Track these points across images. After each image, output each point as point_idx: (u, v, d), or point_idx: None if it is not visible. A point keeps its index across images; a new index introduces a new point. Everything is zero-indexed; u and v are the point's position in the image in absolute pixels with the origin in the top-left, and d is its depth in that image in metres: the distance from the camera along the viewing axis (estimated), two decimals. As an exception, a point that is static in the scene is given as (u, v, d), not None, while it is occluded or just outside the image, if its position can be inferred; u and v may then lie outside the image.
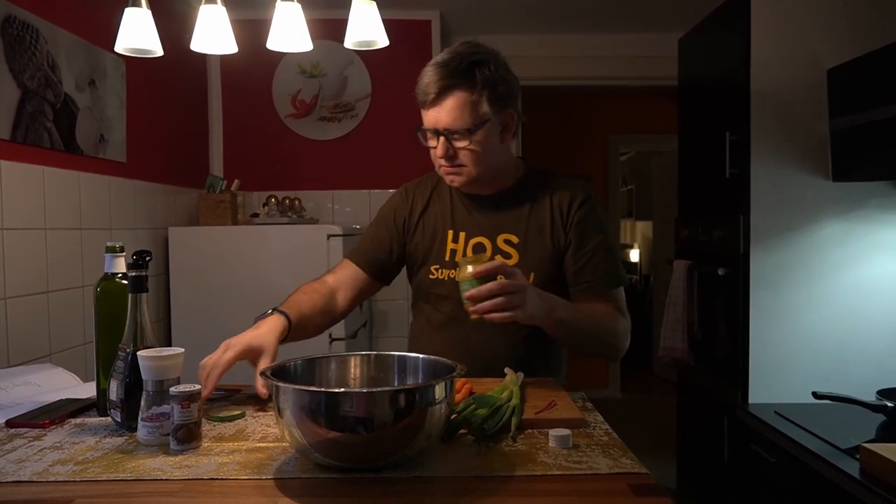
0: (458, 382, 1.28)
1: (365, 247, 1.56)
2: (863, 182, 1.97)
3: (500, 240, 1.45)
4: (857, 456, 1.46)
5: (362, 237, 1.59)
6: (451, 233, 1.48)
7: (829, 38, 2.00)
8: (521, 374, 1.31)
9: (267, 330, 1.29)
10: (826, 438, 1.64)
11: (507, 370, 1.32)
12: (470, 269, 1.20)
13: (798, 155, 2.02)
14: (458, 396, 1.20)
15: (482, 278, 1.19)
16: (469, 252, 1.46)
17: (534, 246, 1.44)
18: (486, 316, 1.19)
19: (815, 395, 1.76)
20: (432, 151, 1.40)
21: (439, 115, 1.34)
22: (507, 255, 1.43)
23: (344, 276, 1.53)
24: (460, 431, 1.08)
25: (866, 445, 1.42)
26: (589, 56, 3.55)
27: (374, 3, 1.36)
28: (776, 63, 2.02)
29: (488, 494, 0.86)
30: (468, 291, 1.18)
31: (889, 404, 1.67)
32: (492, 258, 1.42)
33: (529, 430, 1.11)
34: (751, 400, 2.03)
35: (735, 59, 2.10)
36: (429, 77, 1.33)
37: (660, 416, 4.25)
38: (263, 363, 1.24)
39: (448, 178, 1.43)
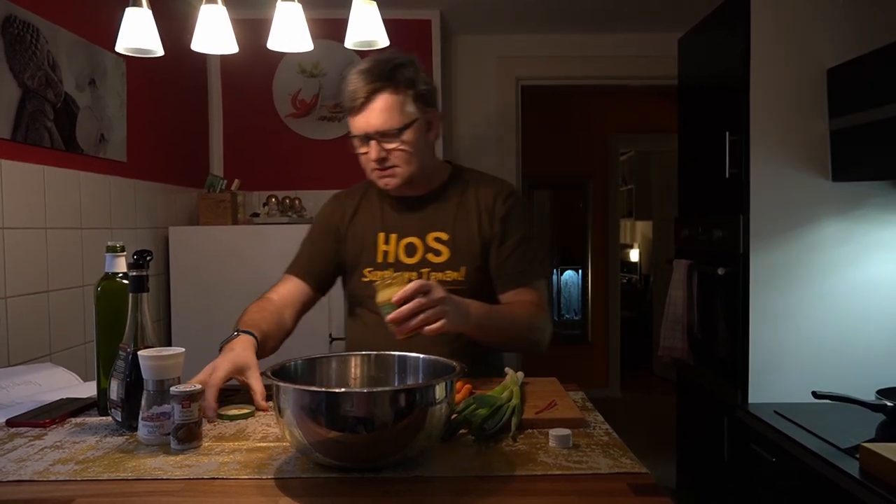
0: (458, 382, 1.29)
1: (305, 260, 1.59)
2: (862, 182, 1.97)
3: (430, 238, 1.49)
4: (857, 455, 1.46)
5: (300, 251, 1.62)
6: (381, 235, 1.52)
7: (829, 37, 1.99)
8: (521, 374, 1.31)
9: (243, 348, 1.28)
10: (826, 438, 1.64)
11: (507, 370, 1.32)
12: (386, 293, 1.21)
13: (798, 154, 2.02)
14: (458, 396, 1.20)
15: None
16: (401, 252, 1.50)
17: (463, 241, 1.48)
18: (420, 331, 1.20)
19: (814, 394, 1.76)
20: (363, 158, 1.45)
21: (369, 118, 1.39)
22: (437, 252, 1.48)
23: (288, 292, 1.54)
24: (460, 431, 1.09)
25: (866, 445, 1.42)
26: (589, 56, 3.54)
27: (375, 3, 1.36)
28: (776, 62, 2.02)
29: (488, 494, 0.86)
30: (389, 315, 1.19)
31: (889, 404, 1.67)
32: (423, 257, 1.48)
33: (529, 430, 1.11)
34: (751, 399, 2.03)
35: (735, 59, 2.10)
36: (354, 84, 1.39)
37: (660, 415, 4.25)
38: (253, 379, 1.23)
39: (382, 182, 1.47)
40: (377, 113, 1.38)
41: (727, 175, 2.13)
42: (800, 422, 1.78)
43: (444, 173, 1.56)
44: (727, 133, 2.12)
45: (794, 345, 2.02)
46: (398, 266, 1.49)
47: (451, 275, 1.47)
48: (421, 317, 1.18)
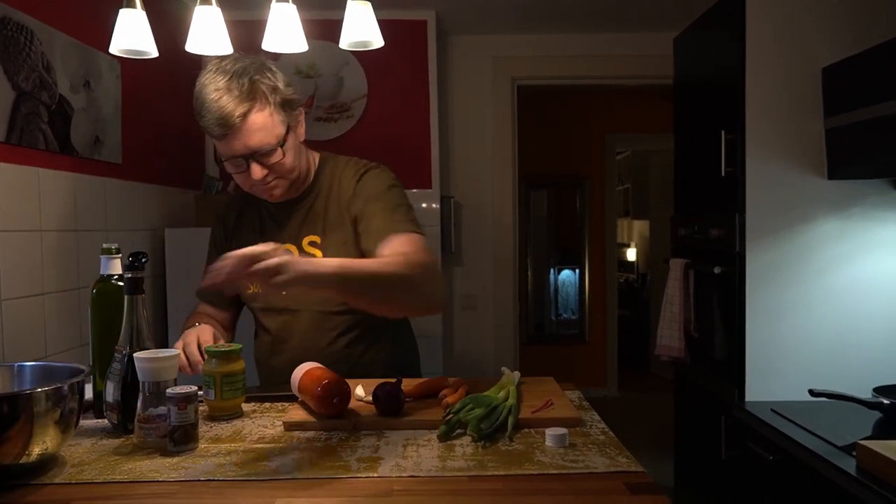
0: (455, 382, 1.29)
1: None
2: (858, 180, 1.97)
3: (304, 243, 1.47)
4: (854, 453, 1.46)
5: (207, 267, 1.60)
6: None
7: (824, 36, 2.00)
8: (517, 374, 1.31)
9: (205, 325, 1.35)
10: (823, 436, 1.64)
11: (504, 369, 1.32)
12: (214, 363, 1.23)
13: (793, 153, 2.02)
14: (454, 397, 1.20)
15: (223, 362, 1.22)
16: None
17: (335, 241, 1.45)
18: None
19: (811, 392, 1.76)
20: (241, 177, 1.39)
21: (246, 141, 1.32)
22: (312, 257, 1.43)
23: (213, 322, 1.53)
24: (457, 431, 1.09)
25: (862, 443, 1.42)
26: (584, 55, 3.54)
27: (370, 4, 1.36)
28: (771, 61, 2.02)
29: (484, 494, 0.86)
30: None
31: (885, 401, 1.67)
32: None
33: (526, 430, 1.11)
34: (748, 398, 2.03)
35: (730, 58, 2.10)
36: (219, 109, 1.29)
37: (658, 414, 4.25)
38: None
39: (266, 195, 1.44)
40: (253, 133, 1.31)
41: (723, 174, 2.13)
42: (797, 420, 1.78)
43: (314, 164, 1.52)
44: (723, 132, 2.12)
45: (791, 343, 2.02)
46: None
47: None
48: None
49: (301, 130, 1.44)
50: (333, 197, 1.48)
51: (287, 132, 1.37)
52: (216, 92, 1.30)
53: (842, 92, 1.90)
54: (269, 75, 1.35)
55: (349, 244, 1.43)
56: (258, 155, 1.34)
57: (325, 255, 1.43)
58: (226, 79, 1.31)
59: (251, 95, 1.31)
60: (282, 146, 1.35)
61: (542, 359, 4.89)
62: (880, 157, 1.76)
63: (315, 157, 1.55)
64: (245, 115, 1.30)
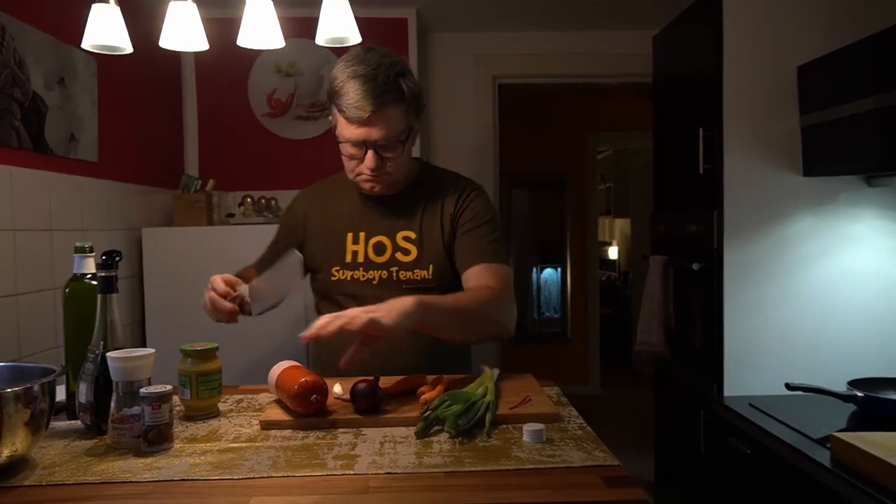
0: (433, 379, 1.29)
1: (268, 260, 1.57)
2: (833, 177, 2.00)
3: (399, 237, 1.50)
4: (829, 445, 1.48)
5: (266, 250, 1.65)
6: (350, 235, 1.52)
7: (799, 34, 2.02)
8: (496, 371, 1.31)
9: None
10: (799, 429, 1.66)
11: (483, 367, 1.32)
12: (189, 362, 1.21)
13: (770, 150, 2.04)
14: (432, 394, 1.20)
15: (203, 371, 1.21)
16: (370, 251, 1.50)
17: (430, 240, 1.49)
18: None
19: (787, 386, 1.78)
20: (352, 163, 1.43)
21: (372, 129, 1.37)
22: (406, 252, 1.49)
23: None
24: (435, 428, 1.08)
25: (837, 435, 1.44)
26: (566, 53, 3.56)
27: (346, 0, 1.35)
28: (748, 60, 2.04)
29: (460, 489, 0.86)
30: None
31: (859, 394, 1.69)
32: (392, 256, 1.48)
33: (504, 426, 1.11)
34: (726, 393, 2.05)
35: (708, 56, 2.12)
36: (359, 93, 1.35)
37: (640, 411, 4.28)
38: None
39: (367, 186, 1.47)
40: (382, 125, 1.37)
41: (701, 171, 2.15)
42: (774, 414, 1.80)
43: (415, 171, 1.57)
44: (701, 129, 2.13)
45: (768, 338, 2.05)
46: (368, 265, 1.49)
47: (419, 273, 1.47)
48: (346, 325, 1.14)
49: (416, 137, 1.50)
50: (431, 201, 1.52)
51: (412, 133, 1.44)
52: (360, 77, 1.35)
53: (817, 90, 1.92)
54: (410, 77, 1.42)
55: (440, 246, 1.49)
56: (378, 146, 1.38)
57: (419, 251, 1.48)
58: (371, 68, 1.36)
59: (392, 89, 1.37)
60: (403, 144, 1.42)
61: (524, 357, 4.86)
62: (854, 153, 1.79)
63: (416, 164, 1.60)
64: (381, 106, 1.35)
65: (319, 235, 1.56)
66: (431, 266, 1.48)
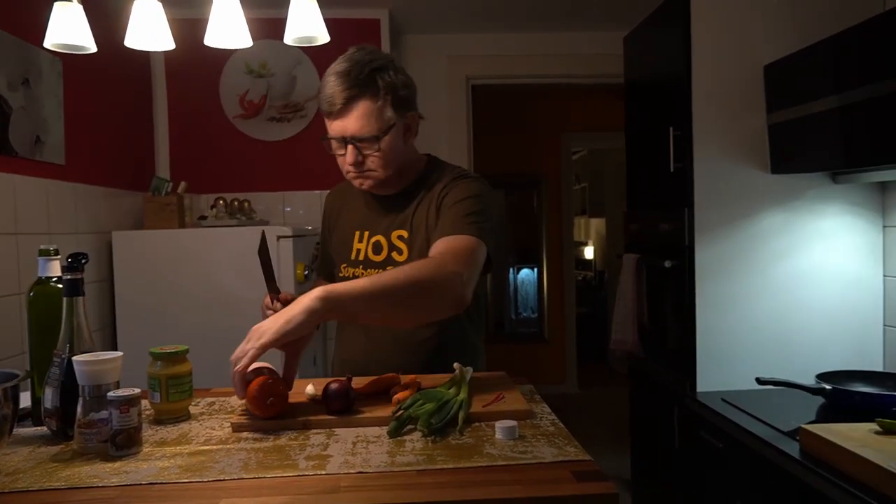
0: (406, 379, 1.28)
1: (323, 260, 1.71)
2: (799, 174, 2.04)
3: (393, 236, 1.51)
4: (798, 437, 1.51)
5: (320, 254, 1.75)
6: (357, 233, 1.55)
7: (765, 34, 2.05)
8: (469, 369, 1.31)
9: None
10: (769, 422, 1.69)
11: (455, 365, 1.32)
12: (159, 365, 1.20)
13: (738, 148, 2.07)
14: (405, 393, 1.20)
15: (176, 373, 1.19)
16: (370, 251, 1.52)
17: (419, 238, 1.48)
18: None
19: (758, 380, 1.81)
20: (340, 159, 1.45)
21: (346, 124, 1.38)
22: (399, 251, 1.49)
23: None
24: (408, 427, 1.08)
25: (806, 427, 1.47)
26: (538, 54, 3.58)
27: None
28: (716, 59, 2.07)
29: (432, 487, 0.86)
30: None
31: (827, 387, 1.72)
32: (388, 255, 1.49)
33: (477, 424, 1.11)
34: (699, 388, 2.07)
35: (677, 57, 2.15)
36: (332, 88, 1.37)
37: (617, 409, 4.31)
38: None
39: (357, 183, 1.49)
40: (354, 119, 1.37)
41: (672, 169, 2.17)
42: (745, 408, 1.82)
43: (420, 168, 1.56)
44: (671, 128, 2.16)
45: (739, 333, 2.08)
46: (367, 264, 1.51)
47: None
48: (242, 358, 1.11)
49: (411, 135, 1.50)
50: (425, 198, 1.50)
51: (390, 129, 1.41)
52: (334, 73, 1.37)
53: (782, 89, 1.95)
54: (391, 73, 1.40)
55: (426, 240, 1.45)
56: (356, 141, 1.39)
57: (410, 250, 1.46)
58: (349, 64, 1.37)
59: (365, 84, 1.36)
60: (378, 139, 1.39)
61: (502, 357, 4.87)
62: (820, 151, 1.82)
63: (423, 160, 1.59)
64: (350, 100, 1.36)
65: (338, 233, 1.61)
66: None
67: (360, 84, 1.36)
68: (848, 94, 1.63)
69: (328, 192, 1.72)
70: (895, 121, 1.50)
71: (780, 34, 2.02)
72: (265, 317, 1.33)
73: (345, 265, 1.55)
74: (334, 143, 1.43)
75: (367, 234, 1.53)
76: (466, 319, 1.53)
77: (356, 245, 1.54)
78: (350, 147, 1.40)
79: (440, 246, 1.34)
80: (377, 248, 1.51)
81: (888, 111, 1.51)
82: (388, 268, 1.47)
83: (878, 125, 1.58)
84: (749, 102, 2.06)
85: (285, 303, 1.30)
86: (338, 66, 1.39)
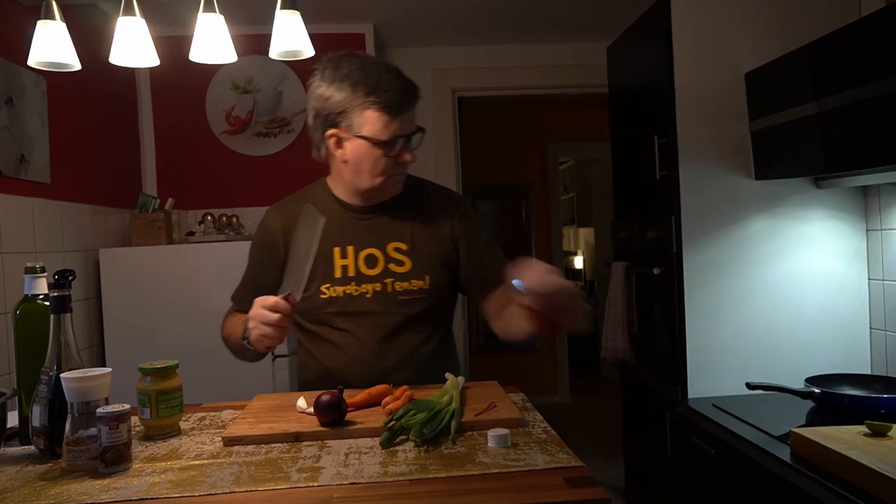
0: (399, 390, 1.28)
1: (250, 287, 1.51)
2: (783, 179, 2.06)
3: (390, 248, 1.47)
4: (788, 441, 1.51)
5: (243, 277, 1.58)
6: (337, 249, 1.46)
7: (745, 43, 2.08)
8: (461, 379, 1.31)
9: None
10: (760, 427, 1.70)
11: (447, 375, 1.32)
12: (148, 381, 1.19)
13: (722, 155, 2.09)
14: (398, 403, 1.20)
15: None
16: (362, 265, 1.46)
17: (423, 251, 1.47)
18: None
19: (748, 385, 1.82)
20: (386, 160, 1.38)
21: (410, 119, 1.39)
22: (399, 263, 1.46)
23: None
24: (400, 437, 1.08)
25: (795, 430, 1.48)
26: (522, 66, 3.61)
27: (298, 13, 1.35)
28: (697, 68, 2.10)
29: (425, 496, 0.86)
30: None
31: (816, 391, 1.74)
32: (385, 268, 1.46)
33: (469, 432, 1.11)
34: (690, 394, 2.08)
35: (659, 66, 2.17)
36: (399, 82, 1.36)
37: (610, 418, 4.32)
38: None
39: (395, 185, 1.46)
40: (413, 115, 1.41)
41: (657, 177, 2.19)
42: (736, 413, 1.83)
43: None
44: (655, 137, 2.18)
45: (728, 339, 2.09)
46: (360, 279, 1.45)
47: (416, 283, 1.45)
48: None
49: None
50: (421, 213, 1.50)
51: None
52: (388, 71, 1.36)
53: (764, 96, 1.98)
54: None
55: (436, 260, 1.48)
56: (414, 137, 1.39)
57: (413, 262, 1.46)
58: (383, 63, 1.39)
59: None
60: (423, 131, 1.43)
61: (492, 368, 4.88)
62: (802, 156, 1.85)
63: None
64: (415, 104, 1.39)
65: (293, 258, 1.46)
66: (428, 277, 1.45)
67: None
68: (827, 100, 1.66)
69: (269, 210, 1.57)
70: (873, 125, 1.53)
71: (760, 42, 2.05)
72: (264, 319, 1.26)
73: (327, 285, 1.45)
74: (391, 145, 1.37)
75: (351, 249, 1.46)
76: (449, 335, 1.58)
77: (339, 262, 1.46)
78: (415, 137, 1.40)
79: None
80: (371, 262, 1.46)
81: (866, 116, 1.54)
82: (387, 280, 1.45)
83: (856, 130, 1.60)
84: (732, 110, 2.08)
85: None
86: (380, 66, 1.38)
